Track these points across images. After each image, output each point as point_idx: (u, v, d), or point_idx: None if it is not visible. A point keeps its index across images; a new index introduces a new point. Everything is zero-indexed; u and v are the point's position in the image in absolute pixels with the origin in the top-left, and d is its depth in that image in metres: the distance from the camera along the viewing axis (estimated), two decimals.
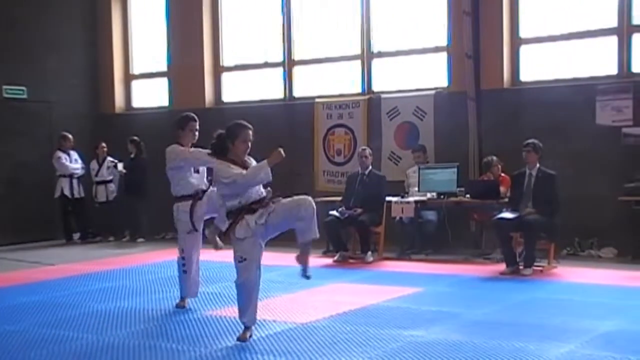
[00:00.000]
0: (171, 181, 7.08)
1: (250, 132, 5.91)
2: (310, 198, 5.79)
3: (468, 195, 9.90)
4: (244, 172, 5.76)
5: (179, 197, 7.04)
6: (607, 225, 9.94)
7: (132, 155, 12.99)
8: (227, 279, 8.13)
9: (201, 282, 7.59)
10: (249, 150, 5.98)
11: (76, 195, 13.03)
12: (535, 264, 8.76)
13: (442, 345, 5.59)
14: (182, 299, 7.28)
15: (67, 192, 12.92)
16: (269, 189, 5.96)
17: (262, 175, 5.72)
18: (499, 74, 10.80)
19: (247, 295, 5.86)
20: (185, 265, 7.19)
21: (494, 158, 10.16)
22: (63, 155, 12.96)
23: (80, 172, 13.10)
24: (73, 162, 13.03)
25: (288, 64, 12.83)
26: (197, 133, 7.21)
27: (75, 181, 13.02)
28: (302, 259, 5.93)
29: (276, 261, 9.47)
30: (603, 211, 9.92)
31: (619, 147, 9.95)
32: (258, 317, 6.06)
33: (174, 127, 7.29)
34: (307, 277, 6.00)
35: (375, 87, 12.08)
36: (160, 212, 13.70)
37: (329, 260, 10.02)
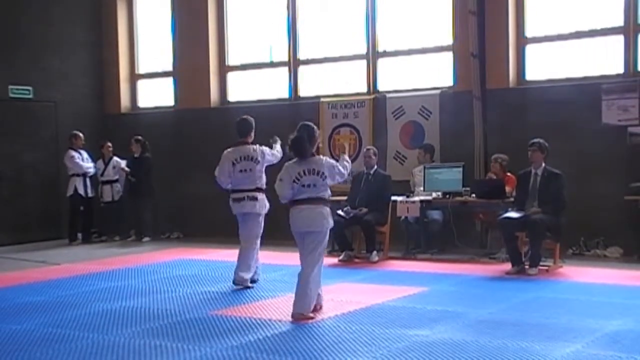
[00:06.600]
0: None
1: None
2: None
3: (473, 195, 9.87)
4: None
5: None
6: (613, 225, 9.91)
7: (137, 155, 12.99)
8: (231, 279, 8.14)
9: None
10: None
11: (89, 195, 13.03)
12: (541, 263, 8.73)
13: (447, 344, 5.58)
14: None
15: (81, 191, 12.81)
16: None
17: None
18: (505, 73, 10.77)
19: None
20: None
21: (498, 156, 10.15)
22: (76, 154, 12.92)
23: (93, 170, 13.09)
24: (85, 161, 13.02)
25: (293, 63, 12.81)
26: None
27: (88, 180, 13.02)
28: None
29: (280, 261, 9.49)
30: (609, 211, 9.89)
31: (625, 147, 9.92)
32: (264, 317, 6.30)
33: (248, 128, 8.04)
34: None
35: (381, 87, 12.06)
36: (165, 211, 13.80)
37: (334, 260, 9.99)
